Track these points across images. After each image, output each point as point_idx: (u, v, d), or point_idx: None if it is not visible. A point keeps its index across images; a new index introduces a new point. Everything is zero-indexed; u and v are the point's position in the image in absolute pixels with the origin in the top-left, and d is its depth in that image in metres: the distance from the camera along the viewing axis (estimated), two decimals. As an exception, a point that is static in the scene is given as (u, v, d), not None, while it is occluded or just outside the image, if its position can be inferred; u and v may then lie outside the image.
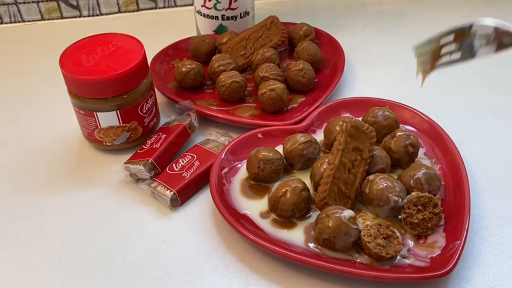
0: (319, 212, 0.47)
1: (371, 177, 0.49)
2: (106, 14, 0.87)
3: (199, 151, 0.56)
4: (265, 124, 0.59)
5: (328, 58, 0.71)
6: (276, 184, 0.49)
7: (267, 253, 0.47)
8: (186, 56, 0.72)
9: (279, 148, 0.55)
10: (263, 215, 0.50)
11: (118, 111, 0.55)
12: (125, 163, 0.55)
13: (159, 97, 0.64)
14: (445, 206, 0.49)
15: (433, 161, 0.54)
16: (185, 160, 0.55)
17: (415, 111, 0.59)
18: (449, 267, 0.42)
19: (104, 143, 0.57)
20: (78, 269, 0.47)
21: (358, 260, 0.45)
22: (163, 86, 0.65)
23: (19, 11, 0.84)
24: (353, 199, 0.49)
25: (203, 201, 0.53)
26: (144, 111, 0.57)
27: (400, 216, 0.48)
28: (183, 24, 0.82)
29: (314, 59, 0.67)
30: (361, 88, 0.69)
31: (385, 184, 0.47)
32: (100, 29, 0.63)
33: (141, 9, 0.88)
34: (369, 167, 0.50)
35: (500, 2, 0.88)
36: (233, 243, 0.49)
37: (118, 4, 0.86)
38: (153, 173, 0.54)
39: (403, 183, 0.49)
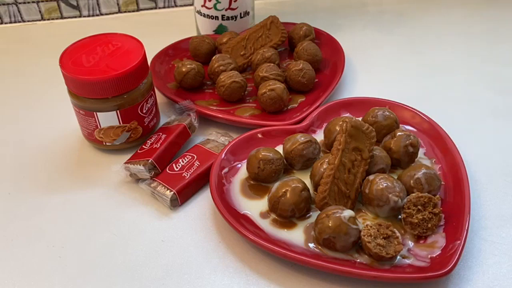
0: (319, 212, 0.47)
1: (371, 177, 0.49)
2: (106, 14, 0.87)
3: (199, 151, 0.56)
4: (265, 124, 0.59)
5: (328, 58, 0.71)
6: (276, 184, 0.50)
7: (267, 253, 0.47)
8: (186, 56, 0.73)
9: (279, 148, 0.55)
10: (263, 215, 0.50)
11: (118, 111, 0.55)
12: (125, 163, 0.55)
13: (159, 97, 0.64)
14: (445, 206, 0.49)
15: (433, 161, 0.54)
16: (185, 160, 0.55)
17: (415, 111, 0.59)
18: (449, 267, 0.42)
19: (104, 143, 0.58)
20: (78, 269, 0.47)
21: (358, 260, 0.45)
22: (163, 86, 0.65)
23: (19, 11, 0.84)
24: (353, 199, 0.49)
25: (203, 201, 0.53)
26: (144, 111, 0.57)
27: (400, 216, 0.48)
28: (183, 24, 0.82)
29: (314, 59, 0.67)
30: (361, 88, 0.69)
31: (385, 184, 0.47)
32: (100, 29, 0.63)
33: (141, 9, 0.88)
34: (369, 167, 0.50)
35: (499, 2, 0.88)
36: (233, 243, 0.49)
37: (118, 4, 0.86)
38: (153, 173, 0.54)
39: (403, 183, 0.49)
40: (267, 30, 0.70)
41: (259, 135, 0.57)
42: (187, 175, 0.53)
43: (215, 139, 0.59)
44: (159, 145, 0.55)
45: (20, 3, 0.83)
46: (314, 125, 0.59)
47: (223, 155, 0.54)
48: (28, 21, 0.85)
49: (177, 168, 0.54)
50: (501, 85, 0.69)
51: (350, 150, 0.49)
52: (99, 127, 0.56)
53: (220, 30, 0.76)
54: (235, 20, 0.75)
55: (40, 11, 0.84)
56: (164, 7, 0.88)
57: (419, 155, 0.54)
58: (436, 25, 0.83)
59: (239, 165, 0.55)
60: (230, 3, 0.73)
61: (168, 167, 0.54)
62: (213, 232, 0.50)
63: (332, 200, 0.48)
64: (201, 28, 0.77)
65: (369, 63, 0.74)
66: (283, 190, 0.48)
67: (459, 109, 0.64)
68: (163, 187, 0.52)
